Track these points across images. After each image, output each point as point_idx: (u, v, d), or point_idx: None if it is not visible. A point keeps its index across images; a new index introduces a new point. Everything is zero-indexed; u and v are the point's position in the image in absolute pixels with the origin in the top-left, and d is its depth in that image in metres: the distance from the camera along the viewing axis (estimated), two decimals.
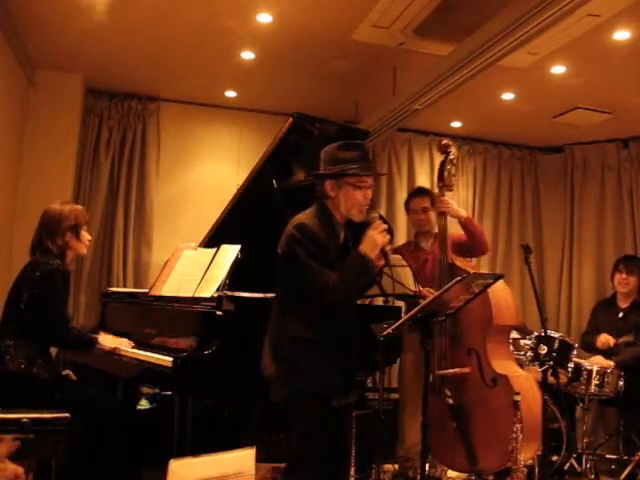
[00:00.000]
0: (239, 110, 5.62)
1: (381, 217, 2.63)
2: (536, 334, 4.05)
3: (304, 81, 4.89)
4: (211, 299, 3.02)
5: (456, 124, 5.75)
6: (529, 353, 4.00)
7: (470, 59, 3.69)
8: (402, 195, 5.42)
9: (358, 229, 2.51)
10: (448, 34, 3.99)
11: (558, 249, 6.02)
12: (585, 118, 5.20)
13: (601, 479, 4.03)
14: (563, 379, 3.92)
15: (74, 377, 3.23)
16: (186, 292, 3.25)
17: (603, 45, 3.94)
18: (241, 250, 3.18)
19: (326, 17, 3.89)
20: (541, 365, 3.44)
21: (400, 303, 3.70)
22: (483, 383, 3.13)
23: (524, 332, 4.28)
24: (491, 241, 5.48)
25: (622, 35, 3.80)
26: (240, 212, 3.51)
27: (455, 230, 3.68)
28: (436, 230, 3.78)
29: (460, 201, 5.78)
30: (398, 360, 3.86)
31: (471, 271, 3.19)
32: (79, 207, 3.22)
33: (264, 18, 3.92)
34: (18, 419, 2.47)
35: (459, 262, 3.38)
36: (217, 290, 3.05)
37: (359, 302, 2.90)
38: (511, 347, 3.78)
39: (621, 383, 3.99)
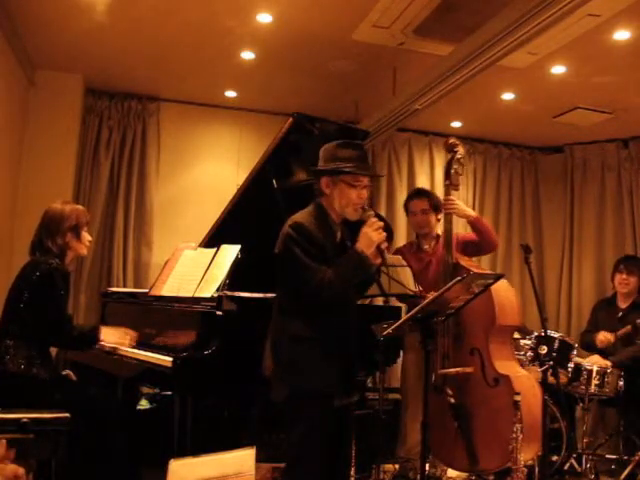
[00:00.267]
0: (239, 110, 5.63)
1: (378, 215, 2.63)
2: (536, 334, 4.04)
3: (304, 81, 4.89)
4: (211, 299, 3.01)
5: (456, 124, 5.75)
6: (529, 353, 4.00)
7: (470, 59, 3.69)
8: (402, 195, 5.41)
9: (356, 230, 2.51)
10: (448, 34, 4.00)
11: (558, 249, 6.02)
12: (585, 118, 5.20)
13: (601, 479, 4.02)
14: (563, 379, 3.91)
15: (74, 377, 3.22)
16: (186, 292, 3.24)
17: (603, 45, 3.94)
18: (241, 250, 3.18)
19: (326, 17, 3.89)
20: (541, 365, 3.44)
21: (399, 303, 3.69)
22: (485, 383, 3.12)
23: (524, 332, 4.28)
24: None
25: (622, 35, 3.81)
26: (240, 212, 3.51)
27: (458, 229, 3.66)
28: (438, 231, 3.77)
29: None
30: (399, 361, 3.86)
31: (476, 271, 3.19)
32: (80, 207, 3.21)
33: (264, 18, 3.92)
34: (18, 419, 2.47)
35: (464, 262, 3.37)
36: (217, 290, 3.05)
37: (359, 302, 2.90)
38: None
39: (621, 383, 3.98)
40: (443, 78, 3.96)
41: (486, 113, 5.40)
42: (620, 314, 4.44)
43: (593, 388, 3.97)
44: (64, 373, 3.27)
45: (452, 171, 3.44)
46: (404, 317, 2.56)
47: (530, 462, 3.23)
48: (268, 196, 3.28)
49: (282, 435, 3.08)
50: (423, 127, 5.87)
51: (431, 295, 3.26)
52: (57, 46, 4.54)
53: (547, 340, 3.84)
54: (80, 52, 4.60)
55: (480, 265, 4.62)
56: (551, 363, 3.35)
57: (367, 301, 3.81)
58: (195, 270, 3.32)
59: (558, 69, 4.35)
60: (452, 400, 3.09)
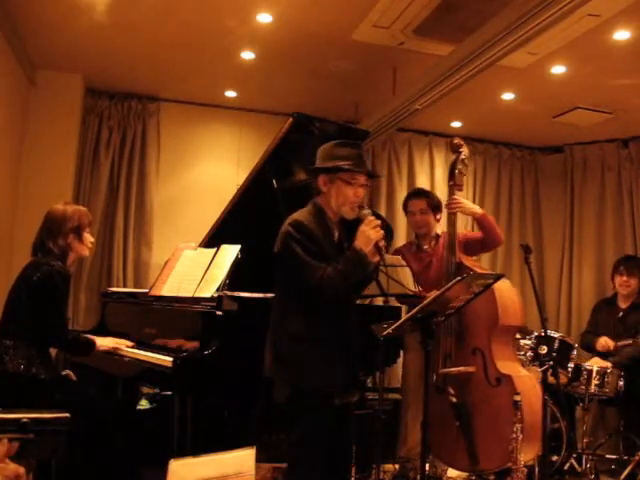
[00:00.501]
0: (239, 110, 5.63)
1: (376, 214, 2.63)
2: (536, 334, 4.05)
3: (304, 81, 4.89)
4: (211, 299, 3.02)
5: (456, 124, 5.75)
6: (529, 353, 4.00)
7: (470, 59, 3.69)
8: (402, 195, 5.39)
9: (353, 230, 2.51)
10: (448, 34, 3.99)
11: (558, 249, 6.02)
12: (585, 118, 5.20)
13: (601, 479, 4.03)
14: (563, 379, 3.92)
15: (74, 377, 3.22)
16: (186, 292, 3.25)
17: (603, 45, 3.94)
18: (241, 250, 3.18)
19: (326, 17, 3.89)
20: (541, 365, 3.44)
21: (398, 303, 3.68)
22: (487, 383, 3.12)
23: (524, 332, 4.28)
24: None
25: (622, 35, 3.80)
26: (240, 212, 3.51)
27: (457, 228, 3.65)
28: (437, 231, 3.77)
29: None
30: (399, 361, 3.86)
31: (478, 271, 3.19)
32: (83, 208, 3.20)
33: (264, 18, 3.92)
34: (18, 419, 2.47)
35: (467, 262, 3.36)
36: (217, 290, 3.05)
37: (359, 302, 2.90)
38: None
39: (621, 383, 3.98)
40: (443, 78, 3.96)
41: (486, 113, 5.40)
42: (620, 314, 4.44)
43: (593, 388, 3.97)
44: (64, 373, 3.27)
45: (456, 171, 3.44)
46: (404, 317, 2.56)
47: (530, 462, 3.23)
48: (268, 196, 3.28)
49: (282, 435, 3.09)
50: (423, 127, 5.86)
51: (431, 295, 3.27)
52: (57, 46, 4.53)
53: (547, 340, 3.84)
54: (80, 52, 4.60)
55: (481, 265, 4.62)
56: (551, 363, 3.35)
57: (367, 301, 3.81)
58: (195, 270, 3.32)
59: (558, 69, 4.35)
60: (454, 399, 3.09)
